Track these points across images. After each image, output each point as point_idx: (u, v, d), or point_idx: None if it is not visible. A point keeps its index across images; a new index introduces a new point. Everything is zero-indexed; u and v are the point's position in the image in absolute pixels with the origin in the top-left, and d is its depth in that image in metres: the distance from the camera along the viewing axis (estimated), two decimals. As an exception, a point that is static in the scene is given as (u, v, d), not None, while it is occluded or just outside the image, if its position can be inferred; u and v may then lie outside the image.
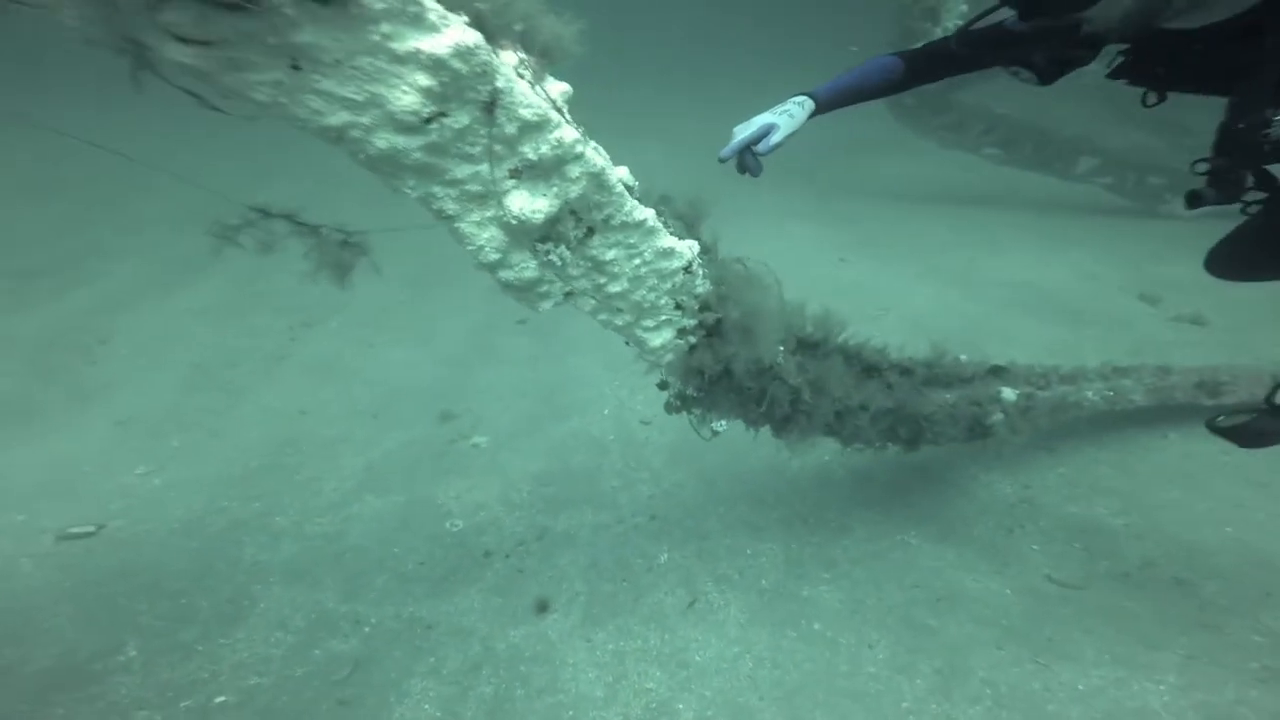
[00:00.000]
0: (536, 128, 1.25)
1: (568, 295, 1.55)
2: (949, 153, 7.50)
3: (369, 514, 2.85)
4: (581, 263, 1.52)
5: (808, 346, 2.30)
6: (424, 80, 1.10)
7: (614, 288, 1.59)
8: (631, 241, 1.54)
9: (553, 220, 1.38)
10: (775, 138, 1.76)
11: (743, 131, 1.79)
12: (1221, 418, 1.97)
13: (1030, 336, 4.36)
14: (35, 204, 6.30)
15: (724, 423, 2.07)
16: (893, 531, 2.79)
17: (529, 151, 1.28)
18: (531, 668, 2.18)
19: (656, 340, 1.76)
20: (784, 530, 2.82)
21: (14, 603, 2.28)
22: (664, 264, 1.63)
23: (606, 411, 3.61)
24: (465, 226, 1.33)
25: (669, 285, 1.67)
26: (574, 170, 1.34)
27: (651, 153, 8.23)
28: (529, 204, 1.32)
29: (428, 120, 1.15)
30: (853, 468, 3.14)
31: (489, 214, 1.32)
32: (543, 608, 2.43)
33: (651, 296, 1.66)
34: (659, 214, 1.62)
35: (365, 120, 1.12)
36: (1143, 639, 2.27)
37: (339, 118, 1.10)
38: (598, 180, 1.39)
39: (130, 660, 2.05)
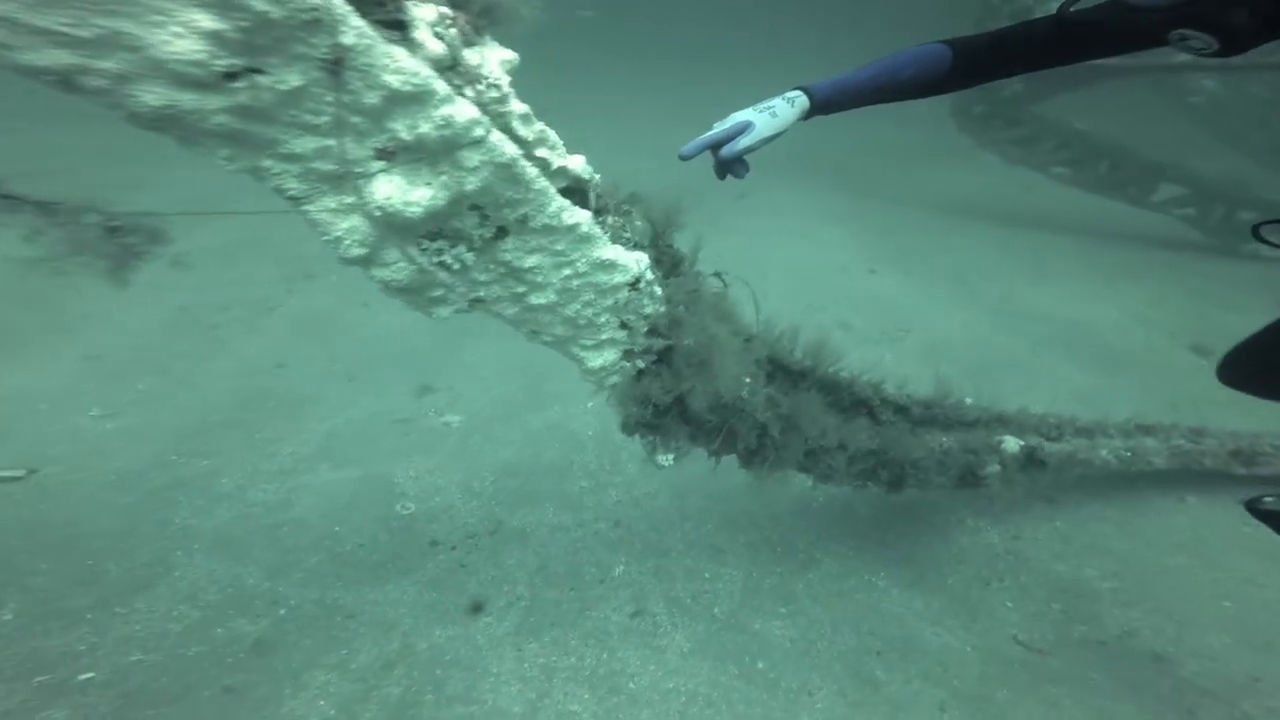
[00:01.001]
0: (413, 101, 1.06)
1: (475, 302, 1.38)
2: (1013, 169, 7.08)
3: (319, 485, 2.77)
4: (492, 267, 1.34)
5: (791, 375, 2.12)
6: (206, 21, 0.88)
7: (538, 299, 1.42)
8: (559, 248, 1.35)
9: (440, 215, 1.21)
10: (745, 141, 1.54)
11: (718, 128, 1.59)
12: (1270, 499, 1.74)
13: (1058, 379, 4.07)
14: (47, 126, 6.35)
15: (671, 457, 1.90)
16: (862, 570, 2.61)
17: (401, 129, 1.09)
18: (449, 672, 2.07)
19: (596, 361, 1.59)
20: (748, 556, 2.65)
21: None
22: (602, 277, 1.44)
23: (590, 405, 3.47)
24: (318, 212, 1.15)
25: (610, 302, 1.49)
26: (471, 158, 1.15)
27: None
28: (403, 193, 1.14)
29: (229, 76, 0.95)
30: (834, 496, 2.95)
31: (350, 200, 1.13)
32: (477, 609, 2.32)
33: (588, 313, 1.49)
34: (599, 218, 1.43)
35: (108, 65, 0.89)
36: (1100, 715, 2.07)
37: (52, 57, 0.86)
38: (507, 172, 1.20)
39: (1, 623, 1.97)
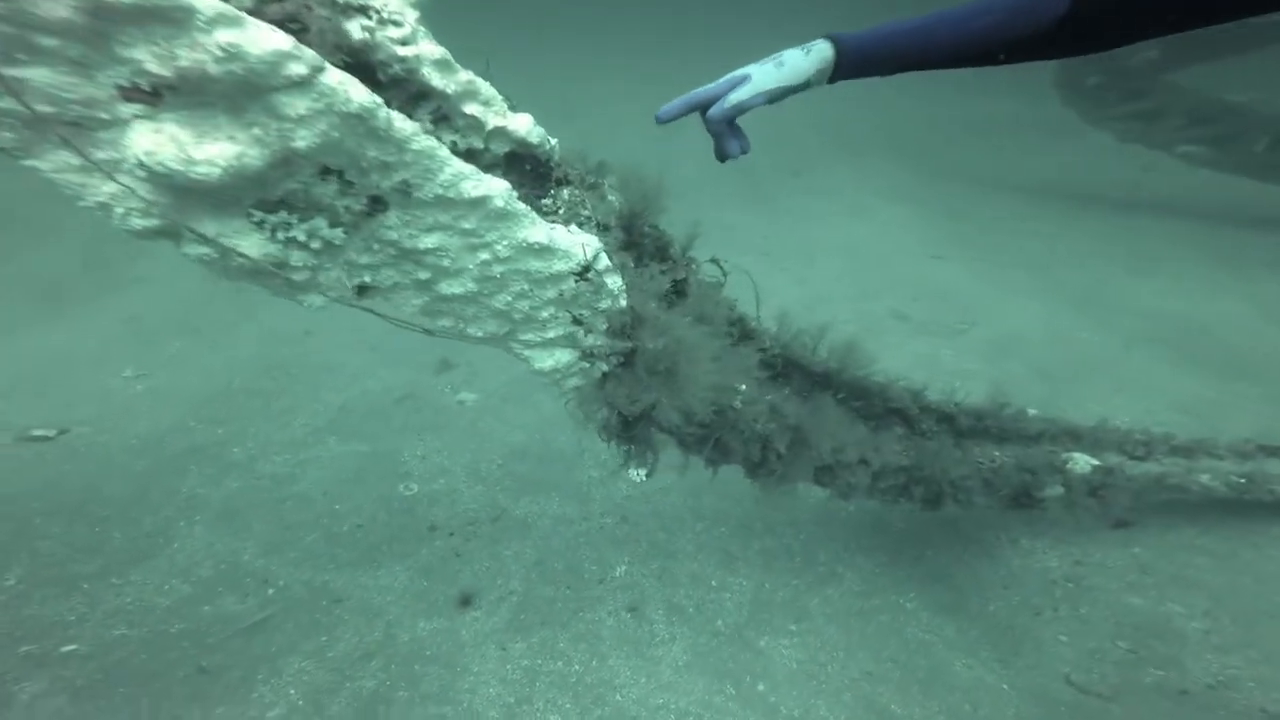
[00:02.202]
0: (164, 18, 0.80)
1: (363, 290, 1.21)
2: (1128, 149, 6.25)
3: (327, 459, 2.77)
4: (376, 248, 1.15)
5: (812, 378, 1.88)
6: None
7: (450, 288, 1.23)
8: (467, 227, 1.15)
9: (265, 179, 0.98)
10: (737, 95, 1.26)
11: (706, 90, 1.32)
12: None
13: (1156, 385, 3.57)
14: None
15: (644, 472, 1.71)
16: (889, 589, 2.37)
17: (150, 60, 0.84)
18: (428, 668, 2.02)
19: (545, 361, 1.41)
20: (762, 565, 2.46)
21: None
22: (535, 264, 1.24)
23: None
24: (51, 171, 0.92)
25: (552, 293, 1.30)
26: (294, 104, 0.89)
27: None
28: (181, 148, 0.89)
29: None
30: (865, 507, 2.69)
31: (105, 155, 0.91)
32: (466, 601, 2.25)
33: (523, 305, 1.30)
34: (555, 190, 1.24)
35: None
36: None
37: None
38: (362, 126, 0.95)
39: (6, 589, 2.06)
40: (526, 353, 1.39)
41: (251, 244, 1.07)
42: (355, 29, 1.01)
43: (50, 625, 1.91)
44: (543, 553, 2.46)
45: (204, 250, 1.07)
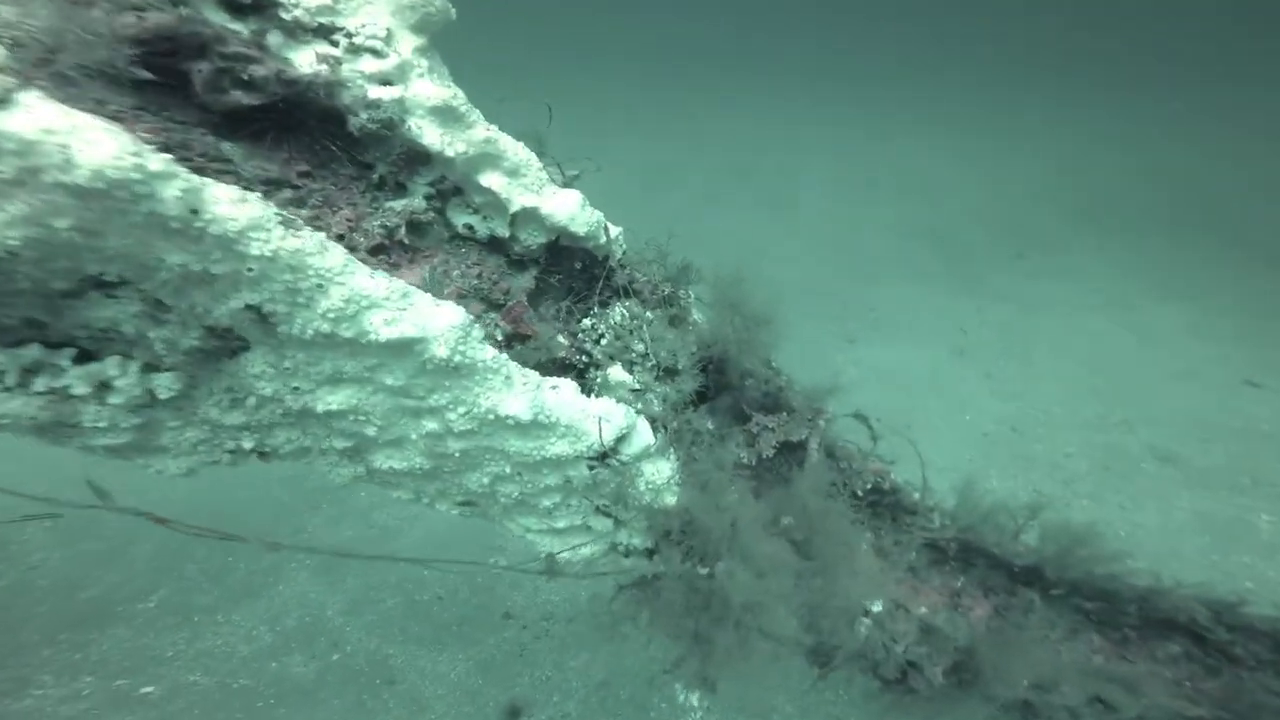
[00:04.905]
0: None
1: (249, 454, 1.00)
2: None
3: (433, 517, 2.81)
4: (252, 402, 0.89)
5: (1012, 576, 1.35)
6: None
7: (388, 461, 0.97)
8: (391, 383, 0.86)
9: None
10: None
11: None
12: None
13: None
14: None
15: (695, 697, 1.31)
16: None
17: None
18: (451, 791, 1.87)
19: (559, 550, 1.13)
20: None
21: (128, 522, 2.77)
22: (517, 445, 0.94)
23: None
24: None
25: (554, 480, 1.01)
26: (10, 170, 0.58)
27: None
28: None
29: None
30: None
31: None
32: (514, 714, 2.08)
33: (510, 490, 1.02)
34: (550, 300, 0.98)
35: None
36: None
37: None
38: (138, 210, 0.64)
39: (143, 612, 2.33)
40: (531, 537, 1.15)
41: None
42: (306, 58, 0.81)
43: (149, 659, 2.16)
44: (611, 673, 2.19)
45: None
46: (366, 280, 0.83)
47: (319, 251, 0.77)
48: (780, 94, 10.27)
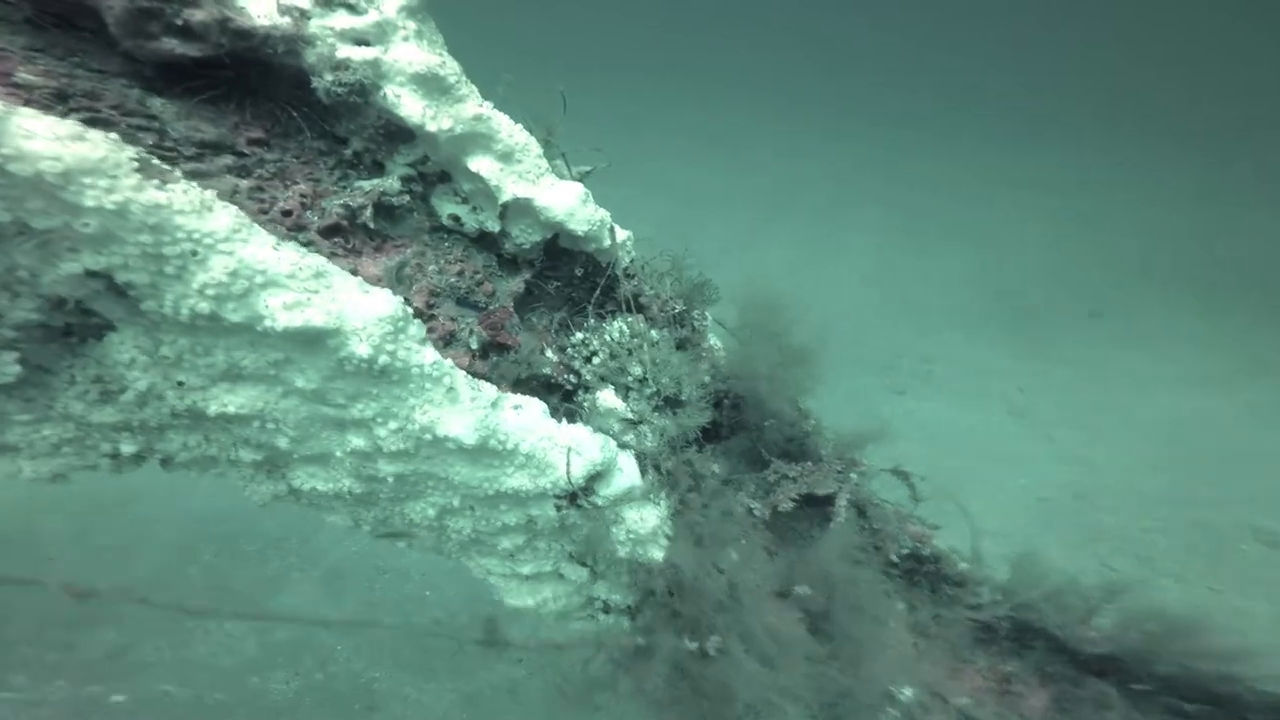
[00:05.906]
0: None
1: (114, 459, 0.83)
2: None
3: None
4: (129, 398, 0.76)
5: (1082, 665, 1.12)
6: None
7: (309, 480, 0.84)
8: (303, 385, 0.73)
9: None
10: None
11: None
12: None
13: None
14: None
15: None
16: None
17: None
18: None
19: (523, 599, 1.01)
20: None
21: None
22: (465, 472, 0.81)
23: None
24: None
25: (514, 519, 0.87)
26: None
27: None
28: None
29: None
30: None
31: None
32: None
33: (462, 525, 0.89)
34: (538, 311, 0.86)
35: None
36: None
37: None
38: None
39: (134, 614, 2.17)
40: (493, 581, 1.01)
41: None
42: (264, 7, 0.72)
43: (128, 665, 2.10)
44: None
45: None
46: (263, 251, 0.71)
47: (195, 210, 0.65)
48: (838, 136, 9.90)
